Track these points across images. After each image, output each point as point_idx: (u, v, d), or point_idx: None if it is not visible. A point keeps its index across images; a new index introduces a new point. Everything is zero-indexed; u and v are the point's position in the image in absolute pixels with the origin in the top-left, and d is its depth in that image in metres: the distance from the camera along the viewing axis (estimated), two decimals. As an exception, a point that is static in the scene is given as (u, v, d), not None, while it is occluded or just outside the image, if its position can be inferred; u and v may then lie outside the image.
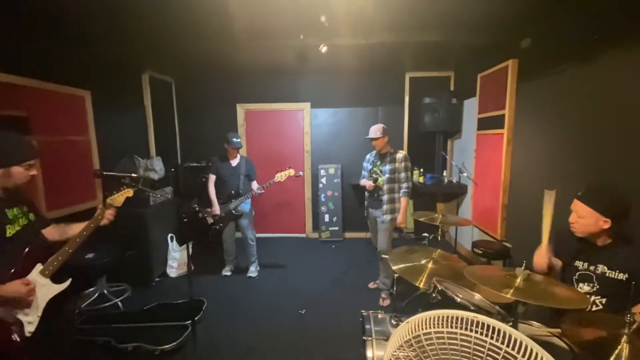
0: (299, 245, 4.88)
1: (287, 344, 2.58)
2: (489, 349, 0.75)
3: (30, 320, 1.52)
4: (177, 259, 3.77)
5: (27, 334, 1.50)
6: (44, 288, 1.58)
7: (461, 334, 0.77)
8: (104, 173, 2.26)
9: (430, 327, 0.81)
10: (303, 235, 5.22)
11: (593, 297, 1.56)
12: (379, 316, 1.84)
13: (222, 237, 3.70)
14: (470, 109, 4.04)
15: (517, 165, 3.11)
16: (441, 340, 0.80)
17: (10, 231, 1.50)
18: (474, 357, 0.77)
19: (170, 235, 3.83)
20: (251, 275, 3.73)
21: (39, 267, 1.58)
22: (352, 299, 3.17)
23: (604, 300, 1.53)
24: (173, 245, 3.82)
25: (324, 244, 4.87)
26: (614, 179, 2.00)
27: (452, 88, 4.67)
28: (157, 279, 3.64)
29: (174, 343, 2.43)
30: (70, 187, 3.08)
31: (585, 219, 1.55)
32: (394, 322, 1.75)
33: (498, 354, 0.73)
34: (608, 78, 2.08)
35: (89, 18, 2.46)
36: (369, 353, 1.59)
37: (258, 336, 2.66)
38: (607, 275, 1.53)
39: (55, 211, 2.88)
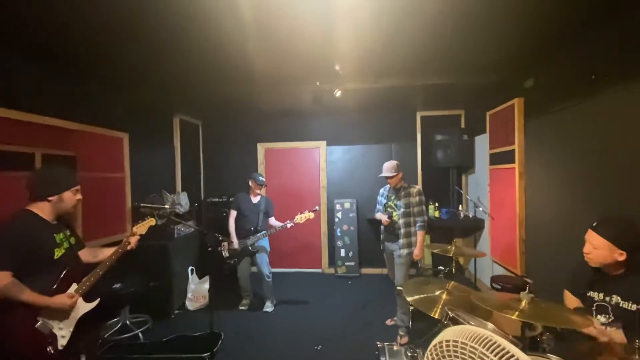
0: (315, 280, 4.86)
1: (303, 380, 2.54)
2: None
3: (63, 335, 1.65)
4: (197, 292, 3.85)
5: (60, 347, 1.63)
6: (78, 305, 1.74)
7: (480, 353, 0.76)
8: (142, 205, 2.49)
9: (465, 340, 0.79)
10: (319, 270, 5.22)
11: (609, 329, 1.53)
12: (395, 348, 1.84)
13: (238, 274, 3.78)
14: (482, 144, 4.15)
15: (531, 198, 3.13)
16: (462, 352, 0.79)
17: (57, 254, 1.69)
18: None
19: (190, 267, 3.96)
20: (267, 310, 3.74)
21: (74, 286, 1.74)
22: (369, 336, 3.10)
23: (620, 331, 1.50)
24: (193, 277, 3.93)
25: (340, 279, 4.84)
26: (625, 210, 2.02)
27: (462, 125, 4.82)
28: (177, 311, 3.71)
29: (192, 375, 2.45)
30: (104, 220, 3.33)
31: (599, 250, 1.56)
32: (409, 354, 1.74)
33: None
34: (609, 115, 2.18)
35: (128, 68, 2.83)
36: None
37: (274, 371, 2.64)
38: (620, 305, 1.51)
39: (90, 242, 3.09)
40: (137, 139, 3.82)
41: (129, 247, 2.02)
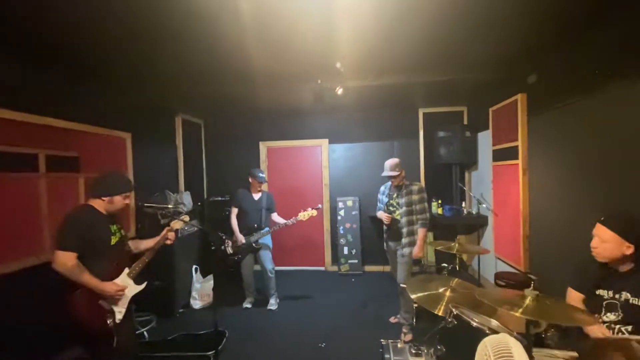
0: (319, 278, 4.88)
1: (307, 377, 2.55)
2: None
3: (120, 310, 1.99)
4: (200, 290, 3.87)
5: (117, 321, 1.96)
6: (130, 287, 2.06)
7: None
8: (145, 205, 2.58)
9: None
10: (322, 268, 5.23)
11: (619, 326, 1.52)
12: (399, 345, 1.85)
13: (241, 271, 3.79)
14: (485, 141, 4.13)
15: (535, 195, 3.11)
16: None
17: (113, 241, 2.01)
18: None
19: (194, 266, 3.97)
20: (271, 308, 3.75)
21: (126, 270, 2.08)
22: (373, 333, 3.11)
23: (629, 328, 1.49)
24: (197, 276, 3.95)
25: (344, 277, 4.85)
26: (630, 206, 2.00)
27: (465, 122, 4.80)
28: (181, 310, 3.73)
29: (197, 373, 2.47)
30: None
31: (608, 243, 1.55)
32: (414, 351, 1.75)
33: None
34: (612, 111, 2.16)
35: (130, 68, 2.83)
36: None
37: (278, 369, 2.65)
38: (630, 302, 1.50)
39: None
40: (140, 138, 3.83)
41: (167, 242, 2.30)
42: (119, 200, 2.03)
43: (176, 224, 2.43)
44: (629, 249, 1.50)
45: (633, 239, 1.50)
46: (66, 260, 1.78)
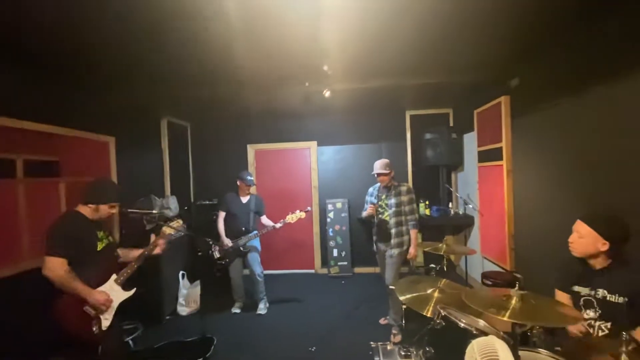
0: (308, 281, 4.85)
1: (298, 382, 2.52)
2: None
3: (106, 317, 1.96)
4: (188, 296, 3.80)
5: (104, 328, 1.93)
6: (117, 293, 2.03)
7: None
8: (130, 210, 2.53)
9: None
10: (312, 271, 5.21)
11: (598, 323, 1.56)
12: (388, 347, 1.85)
13: (230, 275, 3.73)
14: (470, 142, 4.20)
15: (519, 195, 3.19)
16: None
17: (100, 246, 2.01)
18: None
19: (181, 272, 3.90)
20: (260, 312, 3.71)
21: (114, 276, 2.06)
22: (363, 335, 3.10)
23: (609, 325, 1.53)
24: (184, 282, 3.87)
25: (333, 279, 4.84)
26: (611, 205, 2.07)
27: (451, 124, 4.88)
28: (168, 317, 3.65)
29: (184, 381, 2.42)
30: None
31: (584, 238, 1.61)
32: (403, 353, 1.75)
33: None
34: (592, 113, 2.23)
35: (114, 70, 2.76)
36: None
37: (268, 374, 2.62)
38: (607, 299, 1.54)
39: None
40: (124, 142, 3.74)
41: (155, 252, 2.25)
42: (104, 209, 2.03)
43: (167, 230, 2.39)
44: (604, 246, 1.55)
45: (609, 235, 1.55)
46: (57, 267, 1.78)
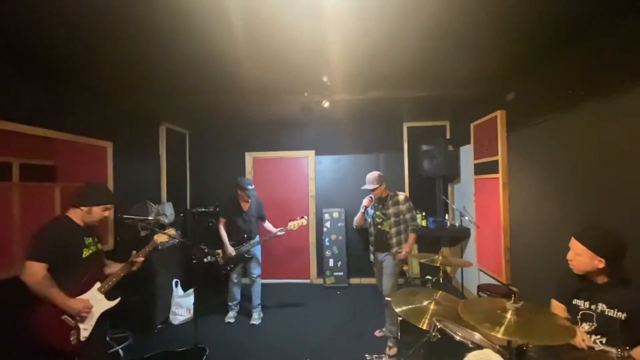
0: (304, 291, 4.80)
1: (291, 395, 2.47)
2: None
3: (85, 327, 1.87)
4: (181, 305, 3.74)
5: (82, 339, 1.84)
6: (100, 302, 1.95)
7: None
8: (125, 216, 2.49)
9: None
10: (308, 281, 5.16)
11: (593, 337, 1.56)
12: (383, 360, 1.83)
13: (230, 278, 3.70)
14: (467, 155, 4.24)
15: (515, 207, 3.21)
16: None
17: (86, 253, 1.94)
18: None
19: (175, 280, 3.84)
20: (254, 322, 3.66)
21: (97, 284, 1.99)
22: (358, 347, 3.07)
23: (604, 340, 1.52)
24: (178, 290, 3.81)
25: (329, 289, 4.80)
26: (605, 220, 2.09)
27: (448, 136, 4.93)
28: (160, 326, 3.58)
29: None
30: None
31: (581, 257, 1.60)
32: (398, 366, 1.73)
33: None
34: (586, 128, 2.27)
35: (113, 75, 2.77)
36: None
37: (260, 387, 2.57)
38: (606, 314, 1.54)
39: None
40: (122, 148, 3.73)
41: (134, 268, 2.15)
42: (97, 212, 1.98)
43: (160, 237, 2.33)
44: (600, 263, 1.54)
45: (603, 253, 1.54)
46: (35, 271, 1.72)
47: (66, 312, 1.80)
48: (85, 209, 1.94)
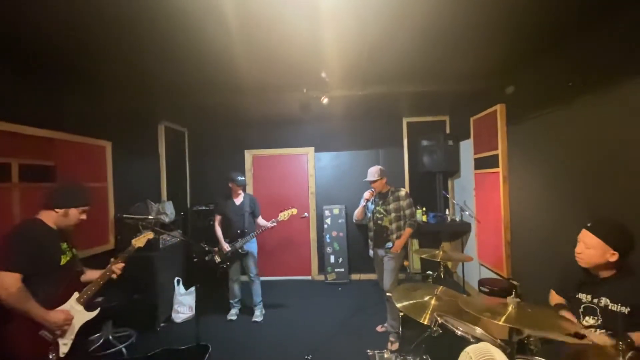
0: (305, 287, 4.82)
1: (293, 391, 2.49)
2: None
3: (65, 342, 1.72)
4: (183, 303, 3.75)
5: (61, 355, 1.69)
6: (79, 314, 1.80)
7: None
8: (125, 216, 2.45)
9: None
10: (309, 277, 5.17)
11: (598, 331, 1.56)
12: (385, 355, 1.83)
13: (229, 276, 3.72)
14: (467, 149, 4.23)
15: (515, 202, 3.20)
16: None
17: (63, 260, 1.79)
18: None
19: (177, 278, 3.86)
20: (256, 319, 3.67)
21: (76, 294, 1.82)
22: (360, 343, 3.08)
23: (609, 333, 1.52)
24: (179, 289, 3.83)
25: (330, 286, 4.81)
26: (607, 212, 2.08)
27: (447, 131, 4.91)
28: (162, 324, 3.60)
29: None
30: (85, 232, 3.20)
31: (592, 249, 1.56)
32: (400, 362, 1.74)
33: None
34: (586, 120, 2.26)
35: (111, 74, 2.76)
36: (375, 394, 1.57)
37: (263, 383, 2.58)
38: (609, 307, 1.53)
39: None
40: (121, 147, 3.72)
41: (113, 276, 1.98)
42: (74, 214, 1.82)
43: (138, 242, 2.16)
44: (613, 256, 1.52)
45: (618, 246, 1.52)
46: (10, 283, 1.54)
47: (44, 326, 1.64)
48: (60, 211, 1.76)
